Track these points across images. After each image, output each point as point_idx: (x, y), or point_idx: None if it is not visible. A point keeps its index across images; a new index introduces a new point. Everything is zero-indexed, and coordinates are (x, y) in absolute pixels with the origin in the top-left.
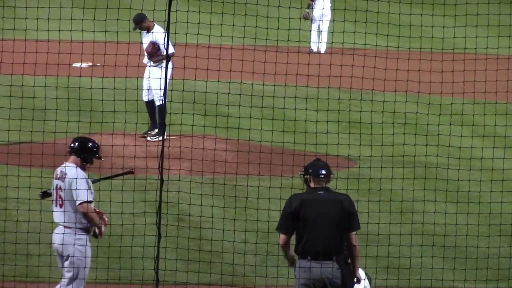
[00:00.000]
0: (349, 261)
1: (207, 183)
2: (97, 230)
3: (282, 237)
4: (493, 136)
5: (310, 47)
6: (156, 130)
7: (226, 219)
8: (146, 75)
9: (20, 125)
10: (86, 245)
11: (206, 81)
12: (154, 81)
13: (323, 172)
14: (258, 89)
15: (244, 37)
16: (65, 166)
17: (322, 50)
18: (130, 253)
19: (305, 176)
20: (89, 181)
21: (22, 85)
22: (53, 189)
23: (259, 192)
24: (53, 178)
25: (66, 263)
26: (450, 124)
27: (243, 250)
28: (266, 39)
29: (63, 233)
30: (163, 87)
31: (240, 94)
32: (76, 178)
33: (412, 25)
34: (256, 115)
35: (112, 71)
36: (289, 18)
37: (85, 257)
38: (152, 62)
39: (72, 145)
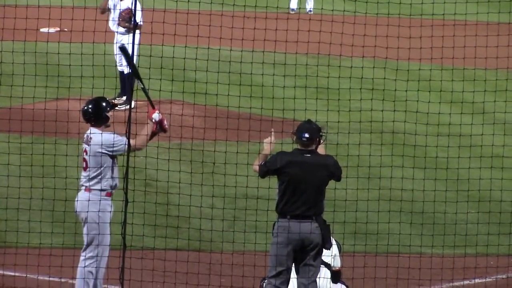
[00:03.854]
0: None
1: (174, 148)
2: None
3: (255, 168)
4: (461, 102)
5: (290, 7)
6: (124, 98)
7: (193, 185)
8: (115, 41)
9: None
10: (106, 211)
11: (173, 46)
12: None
13: (306, 135)
14: (225, 55)
15: (211, 2)
16: (90, 132)
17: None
18: None
19: (295, 135)
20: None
21: None
22: (82, 154)
23: (226, 157)
24: (82, 141)
25: (84, 229)
26: (418, 90)
27: (210, 215)
28: (234, 4)
29: (87, 198)
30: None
31: (207, 60)
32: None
33: None
34: (224, 80)
35: (80, 36)
36: None
37: (104, 222)
38: (120, 29)
39: (86, 117)
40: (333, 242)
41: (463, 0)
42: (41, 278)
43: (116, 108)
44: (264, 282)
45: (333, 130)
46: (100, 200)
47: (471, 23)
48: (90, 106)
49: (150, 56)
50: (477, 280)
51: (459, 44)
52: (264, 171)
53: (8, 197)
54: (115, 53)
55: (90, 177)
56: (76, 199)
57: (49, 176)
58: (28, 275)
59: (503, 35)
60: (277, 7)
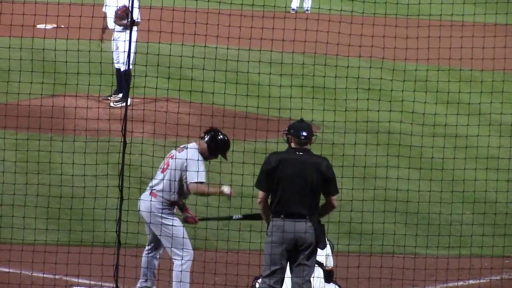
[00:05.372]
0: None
1: (170, 146)
2: (188, 215)
3: (260, 193)
4: (457, 102)
5: (291, 7)
6: (120, 95)
7: None
8: (112, 38)
9: None
10: (170, 213)
11: (170, 44)
12: (121, 44)
13: (304, 133)
14: (222, 53)
15: (208, 1)
16: (188, 145)
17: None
18: (92, 216)
19: (287, 135)
20: (203, 164)
21: None
22: (168, 157)
23: None
24: (175, 146)
25: (156, 232)
26: (414, 91)
27: (205, 214)
28: (231, 3)
29: (150, 201)
30: (127, 50)
31: (204, 58)
32: (192, 160)
33: None
34: (220, 79)
35: (76, 33)
36: None
37: (172, 225)
38: (118, 27)
39: (206, 133)
40: (326, 241)
41: (460, 1)
42: (36, 274)
43: (112, 105)
44: (257, 282)
45: (329, 130)
46: (164, 207)
47: (468, 24)
48: (210, 136)
49: (147, 53)
50: (471, 281)
51: (456, 45)
52: (261, 182)
53: (3, 193)
54: (112, 50)
55: (163, 185)
56: (141, 208)
57: (44, 172)
58: (22, 272)
59: (500, 37)
60: (274, 6)
